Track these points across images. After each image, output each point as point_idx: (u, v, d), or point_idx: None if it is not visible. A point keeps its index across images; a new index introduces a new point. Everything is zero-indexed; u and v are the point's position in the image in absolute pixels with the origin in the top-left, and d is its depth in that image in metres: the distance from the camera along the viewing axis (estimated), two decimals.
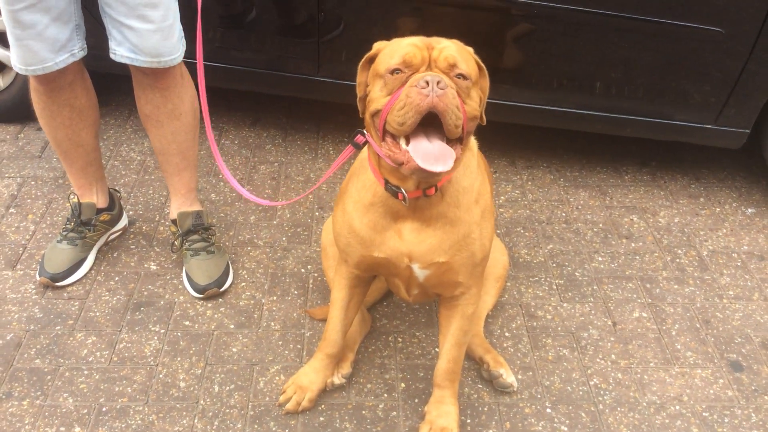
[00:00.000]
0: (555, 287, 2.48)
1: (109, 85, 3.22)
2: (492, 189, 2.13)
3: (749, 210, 2.91)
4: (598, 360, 2.21)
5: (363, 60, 1.62)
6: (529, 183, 3.02)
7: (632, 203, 2.92)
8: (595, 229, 2.76)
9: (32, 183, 2.88)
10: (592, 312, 2.38)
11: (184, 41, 2.18)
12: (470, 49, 1.60)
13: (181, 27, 2.15)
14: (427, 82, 1.43)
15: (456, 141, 1.53)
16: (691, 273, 2.56)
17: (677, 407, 2.07)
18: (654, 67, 2.66)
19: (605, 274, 2.54)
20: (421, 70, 1.49)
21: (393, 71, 1.50)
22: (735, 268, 2.60)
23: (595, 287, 2.49)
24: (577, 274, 2.54)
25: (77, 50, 2.12)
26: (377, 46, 1.63)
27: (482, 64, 1.61)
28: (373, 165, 1.69)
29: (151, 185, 2.90)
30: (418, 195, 1.65)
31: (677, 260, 2.62)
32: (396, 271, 1.81)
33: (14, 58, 2.06)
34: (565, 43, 2.68)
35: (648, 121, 2.77)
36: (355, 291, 1.99)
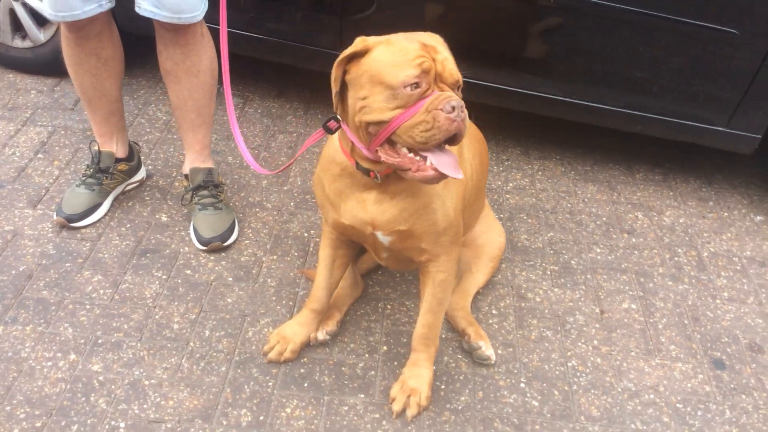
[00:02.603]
0: (549, 273, 2.52)
1: (144, 46, 3.34)
2: (482, 164, 2.18)
3: (758, 217, 2.89)
4: (579, 344, 2.25)
5: (343, 56, 1.60)
6: (540, 173, 3.05)
7: (639, 201, 2.93)
8: (598, 222, 2.79)
9: (62, 132, 3.02)
10: (582, 299, 2.42)
11: (206, 1, 2.28)
12: None
13: None
14: (453, 108, 1.49)
15: None
16: (687, 272, 2.57)
17: (651, 396, 2.09)
18: (670, 66, 2.67)
19: (601, 265, 2.57)
20: (431, 86, 1.53)
21: (411, 86, 1.51)
22: (734, 271, 2.60)
23: (588, 276, 2.52)
24: (572, 262, 2.58)
25: (105, 2, 2.24)
26: (362, 43, 1.60)
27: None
28: (345, 150, 1.75)
29: (172, 143, 3.01)
30: (388, 172, 1.73)
31: (676, 258, 2.63)
32: (362, 237, 1.90)
33: (46, 3, 2.19)
34: (589, 36, 2.71)
35: (661, 120, 2.78)
36: (338, 252, 2.07)
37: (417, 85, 1.52)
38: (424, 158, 1.57)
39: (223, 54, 2.16)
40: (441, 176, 1.56)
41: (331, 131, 1.72)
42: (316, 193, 1.96)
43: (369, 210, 1.80)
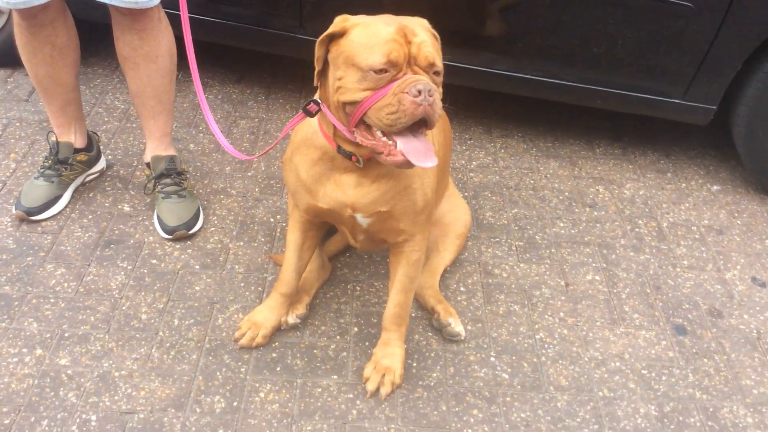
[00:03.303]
0: (514, 248, 2.55)
1: (100, 35, 3.27)
2: (446, 142, 2.20)
3: (714, 187, 2.97)
4: (546, 316, 2.29)
5: (323, 36, 1.61)
6: (502, 151, 3.08)
7: (600, 175, 2.98)
8: (560, 197, 2.83)
9: (17, 124, 2.95)
10: (547, 273, 2.46)
11: None
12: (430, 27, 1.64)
13: None
14: (419, 91, 1.48)
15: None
16: (648, 242, 2.63)
17: (617, 364, 2.15)
18: (626, 40, 2.71)
19: (564, 239, 2.61)
20: (403, 69, 1.52)
21: (379, 71, 1.51)
22: (693, 240, 2.66)
23: (553, 250, 2.56)
24: (537, 237, 2.61)
25: None
26: (341, 22, 1.61)
27: (437, 34, 1.65)
28: (325, 132, 1.74)
29: (132, 132, 2.97)
30: (370, 156, 1.72)
31: (636, 230, 2.69)
32: (340, 219, 1.90)
33: None
34: (545, 13, 2.73)
35: (618, 94, 2.82)
36: (308, 234, 2.07)
37: (385, 69, 1.51)
38: (395, 143, 1.57)
39: (188, 42, 2.12)
40: (410, 163, 1.56)
41: (311, 114, 1.71)
42: (288, 179, 1.93)
43: (349, 193, 1.79)
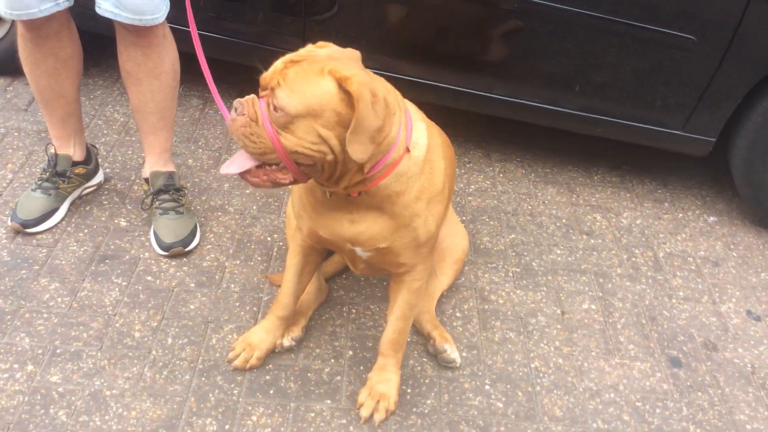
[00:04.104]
0: (511, 274, 2.55)
1: (101, 46, 3.27)
2: (450, 171, 2.19)
3: (711, 218, 2.98)
4: (542, 345, 2.28)
5: None
6: (501, 175, 3.09)
7: (598, 203, 2.99)
8: (557, 224, 2.83)
9: (15, 134, 2.94)
10: (543, 300, 2.45)
11: (168, 2, 2.24)
12: (344, 74, 1.51)
13: None
14: (235, 109, 1.58)
15: (279, 166, 1.63)
16: (644, 272, 2.63)
17: (612, 395, 2.14)
18: (629, 70, 2.73)
19: (561, 266, 2.61)
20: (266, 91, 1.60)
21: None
22: (689, 271, 2.67)
23: (549, 277, 2.56)
24: (534, 264, 2.61)
25: (62, 0, 2.18)
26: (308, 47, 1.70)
27: (354, 93, 1.49)
28: None
29: (130, 146, 2.96)
30: (354, 193, 1.72)
31: (633, 259, 2.69)
32: (340, 250, 1.91)
33: (1, 1, 2.12)
34: (550, 40, 2.75)
35: (618, 123, 2.84)
36: (308, 259, 2.06)
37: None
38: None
39: (197, 44, 2.12)
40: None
41: None
42: (293, 200, 1.94)
43: (349, 228, 1.79)
